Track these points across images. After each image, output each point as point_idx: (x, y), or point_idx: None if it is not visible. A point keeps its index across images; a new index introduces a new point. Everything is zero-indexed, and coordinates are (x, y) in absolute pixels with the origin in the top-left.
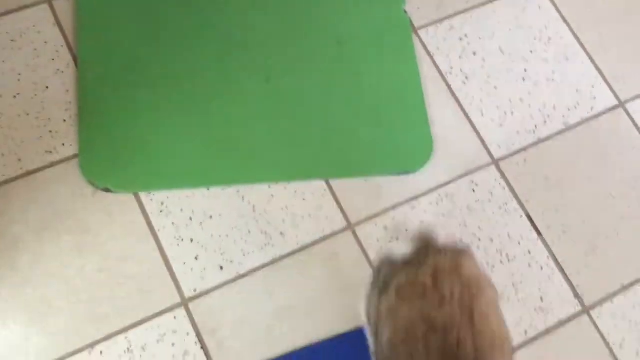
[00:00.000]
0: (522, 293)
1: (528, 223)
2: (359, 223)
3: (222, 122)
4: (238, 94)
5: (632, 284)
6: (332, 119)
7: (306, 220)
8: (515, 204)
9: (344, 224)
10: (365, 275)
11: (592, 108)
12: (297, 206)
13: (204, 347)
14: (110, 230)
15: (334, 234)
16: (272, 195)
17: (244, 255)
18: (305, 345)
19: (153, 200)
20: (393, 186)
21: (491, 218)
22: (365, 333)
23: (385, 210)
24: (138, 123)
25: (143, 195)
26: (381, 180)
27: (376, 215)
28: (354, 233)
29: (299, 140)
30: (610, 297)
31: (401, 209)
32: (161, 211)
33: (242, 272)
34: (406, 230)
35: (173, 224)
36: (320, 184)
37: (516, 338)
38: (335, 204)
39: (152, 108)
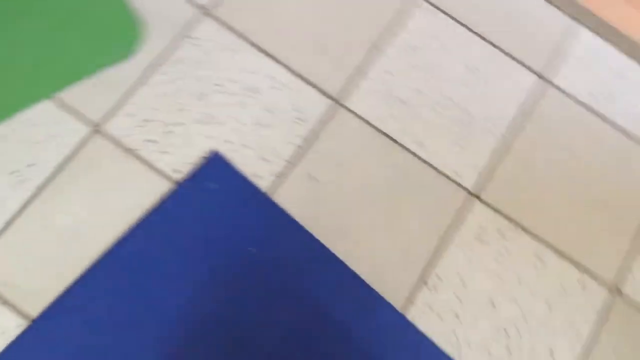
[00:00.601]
0: (279, 114)
1: (256, 50)
2: (103, 122)
3: None
4: None
5: (357, 70)
6: (31, 36)
7: (50, 141)
8: (239, 40)
9: (88, 128)
10: (125, 165)
11: None
12: (34, 133)
13: (2, 299)
14: None
15: (84, 142)
16: (3, 135)
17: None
18: (102, 254)
19: None
20: (121, 74)
21: (224, 62)
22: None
23: (124, 99)
24: None
25: None
26: (108, 73)
27: (117, 108)
28: (102, 132)
29: (6, 70)
30: (348, 82)
31: (138, 91)
32: None
33: (7, 218)
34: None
35: None
36: (47, 104)
37: (288, 153)
38: (71, 114)
39: None
